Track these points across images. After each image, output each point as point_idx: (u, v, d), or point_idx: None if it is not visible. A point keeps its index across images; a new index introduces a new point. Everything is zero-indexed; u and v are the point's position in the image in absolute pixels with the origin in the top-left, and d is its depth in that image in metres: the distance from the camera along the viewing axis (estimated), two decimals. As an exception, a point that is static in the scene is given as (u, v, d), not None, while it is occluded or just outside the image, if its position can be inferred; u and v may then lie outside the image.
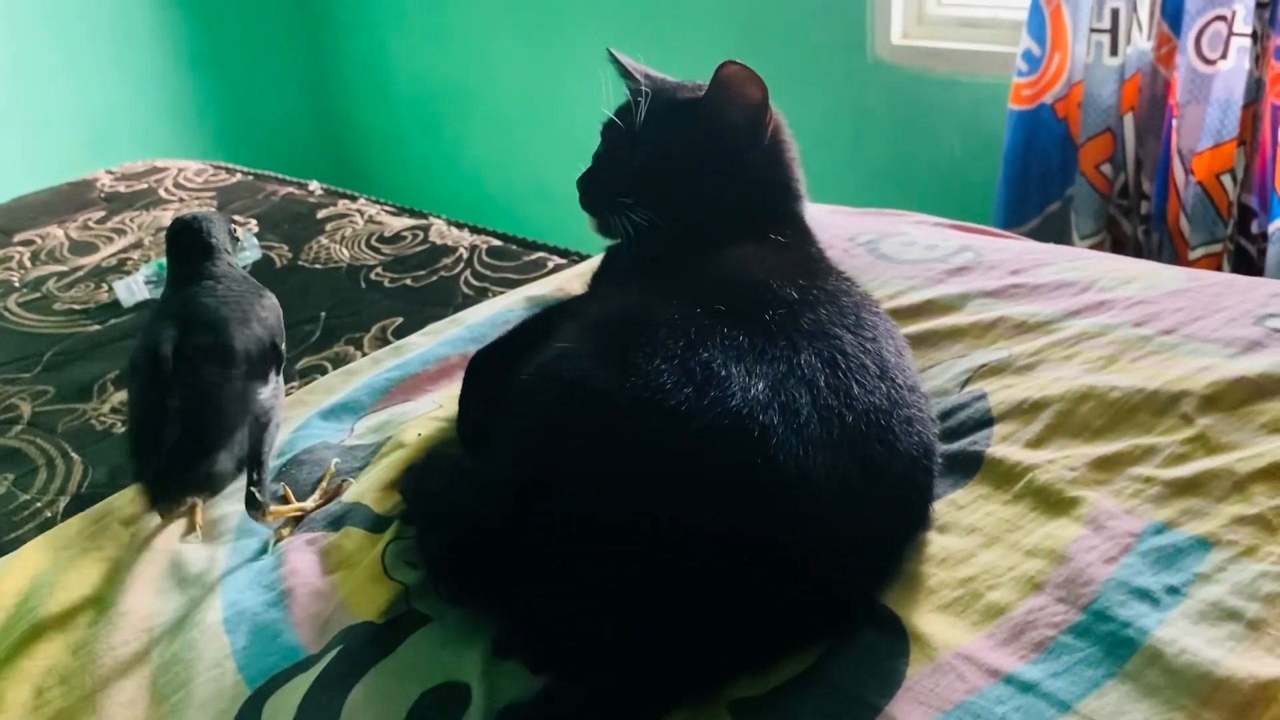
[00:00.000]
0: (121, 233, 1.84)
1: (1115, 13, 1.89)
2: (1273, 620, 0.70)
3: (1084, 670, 0.70)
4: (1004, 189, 2.07)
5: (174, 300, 1.01)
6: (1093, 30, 1.91)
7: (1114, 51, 1.92)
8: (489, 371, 1.00)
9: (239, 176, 2.11)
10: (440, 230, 1.66)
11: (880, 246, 1.25)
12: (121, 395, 1.25)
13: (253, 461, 0.91)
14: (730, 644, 0.73)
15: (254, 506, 0.91)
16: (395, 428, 1.05)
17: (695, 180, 0.99)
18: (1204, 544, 0.77)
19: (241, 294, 1.00)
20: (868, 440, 0.78)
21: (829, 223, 1.31)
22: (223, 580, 0.87)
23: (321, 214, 1.82)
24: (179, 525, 0.94)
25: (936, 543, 0.83)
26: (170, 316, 0.97)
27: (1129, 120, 1.93)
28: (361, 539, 0.90)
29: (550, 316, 1.01)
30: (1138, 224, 1.97)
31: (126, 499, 0.97)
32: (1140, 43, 1.89)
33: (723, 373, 0.75)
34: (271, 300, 1.03)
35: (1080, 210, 2.00)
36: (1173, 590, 0.74)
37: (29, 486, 1.09)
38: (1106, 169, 1.98)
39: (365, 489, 0.96)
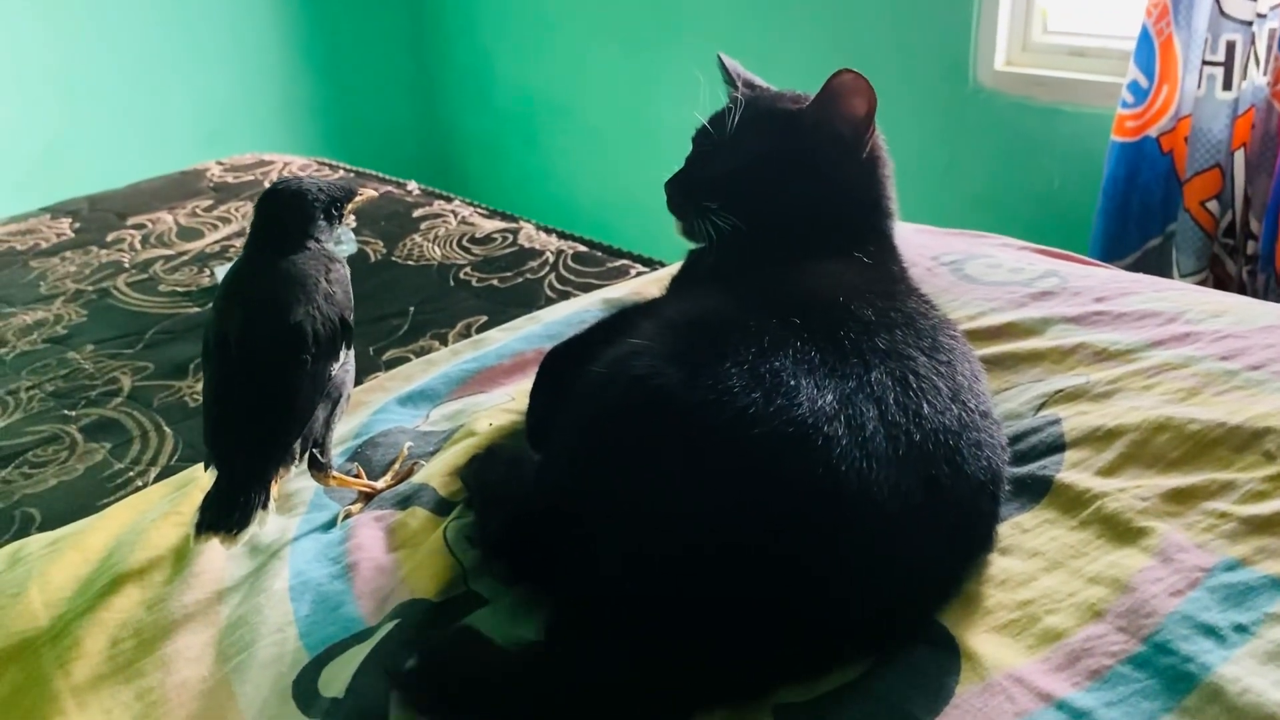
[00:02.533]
0: (226, 221, 1.92)
1: (1231, 45, 1.84)
2: (1345, 666, 0.68)
3: (1140, 702, 0.69)
4: (1101, 222, 2.02)
5: (244, 276, 0.95)
6: (1205, 63, 1.86)
7: (1227, 85, 1.87)
8: (562, 368, 1.01)
9: (341, 173, 2.18)
10: (529, 234, 1.70)
11: (964, 268, 1.23)
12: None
13: (322, 428, 0.91)
14: (779, 650, 0.73)
15: (316, 468, 0.92)
16: (468, 416, 1.08)
17: (785, 189, 0.99)
18: (1278, 584, 0.74)
19: (305, 271, 0.93)
20: (934, 460, 0.77)
21: (915, 241, 1.30)
22: (291, 550, 0.91)
23: (417, 213, 1.87)
24: None
25: (997, 564, 0.82)
26: (237, 296, 0.93)
27: (1239, 157, 1.87)
28: (426, 520, 0.93)
29: (627, 317, 1.02)
30: (1243, 264, 1.90)
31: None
32: (1256, 77, 1.83)
33: (792, 382, 0.75)
34: (340, 271, 0.97)
35: (1182, 247, 1.94)
36: (1240, 628, 0.72)
37: (123, 456, 1.15)
38: (1213, 206, 1.92)
39: (434, 472, 0.98)
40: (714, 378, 0.75)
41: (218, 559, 0.89)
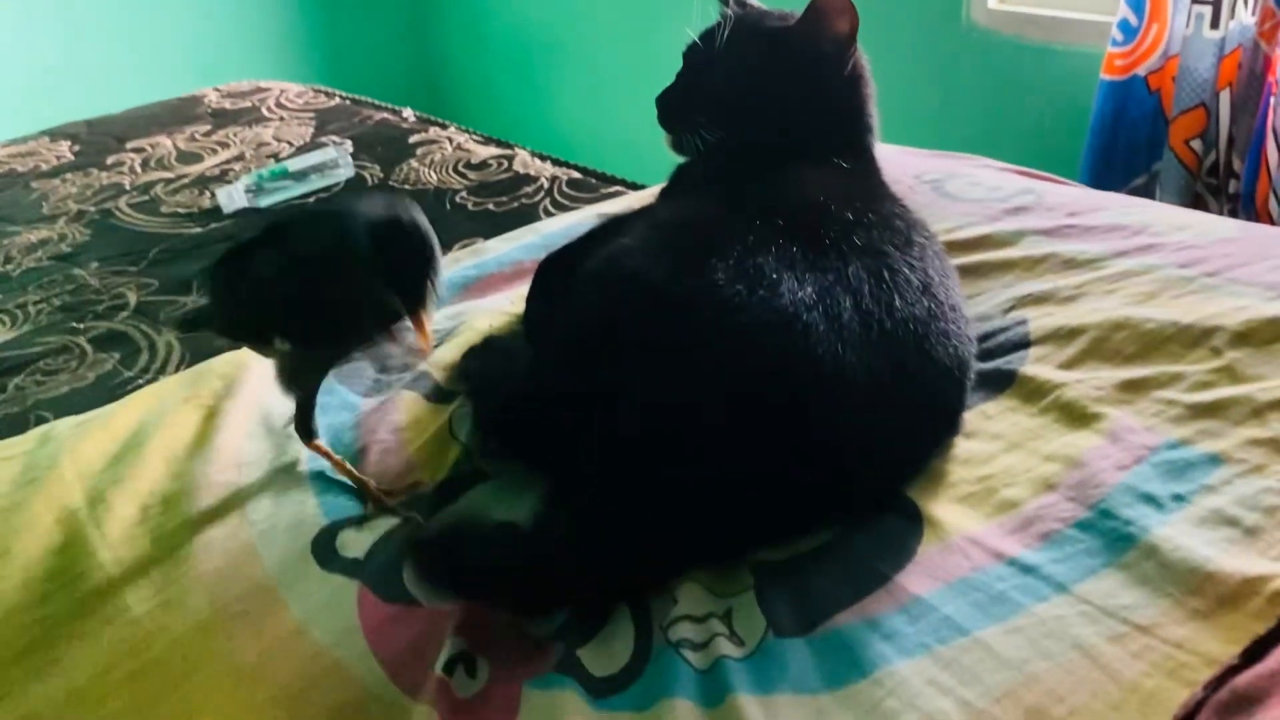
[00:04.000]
0: (225, 145, 1.95)
1: None
2: (1270, 529, 0.75)
3: (1084, 559, 0.76)
4: (1089, 160, 2.05)
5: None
6: (1194, 1, 1.89)
7: (1215, 24, 1.89)
8: (557, 271, 1.08)
9: (337, 100, 2.21)
10: (524, 160, 1.73)
11: (945, 186, 1.29)
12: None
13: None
14: (760, 516, 0.80)
15: (303, 432, 0.91)
16: (467, 318, 1.13)
17: (771, 103, 1.04)
18: (1215, 460, 0.81)
19: None
20: (903, 346, 0.84)
21: (899, 161, 1.35)
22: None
23: (413, 139, 1.90)
24: (266, 377, 0.99)
25: (962, 446, 0.89)
26: None
27: (1225, 97, 1.89)
28: (428, 408, 0.99)
29: (619, 223, 1.08)
30: (1225, 203, 1.94)
31: (221, 361, 1.07)
32: (1244, 17, 1.85)
33: (774, 276, 0.82)
34: None
35: (1166, 186, 1.97)
36: (1178, 497, 0.79)
37: (132, 365, 1.19)
38: (1197, 145, 1.95)
39: (434, 363, 1.04)
40: (700, 271, 0.81)
41: (237, 437, 0.95)
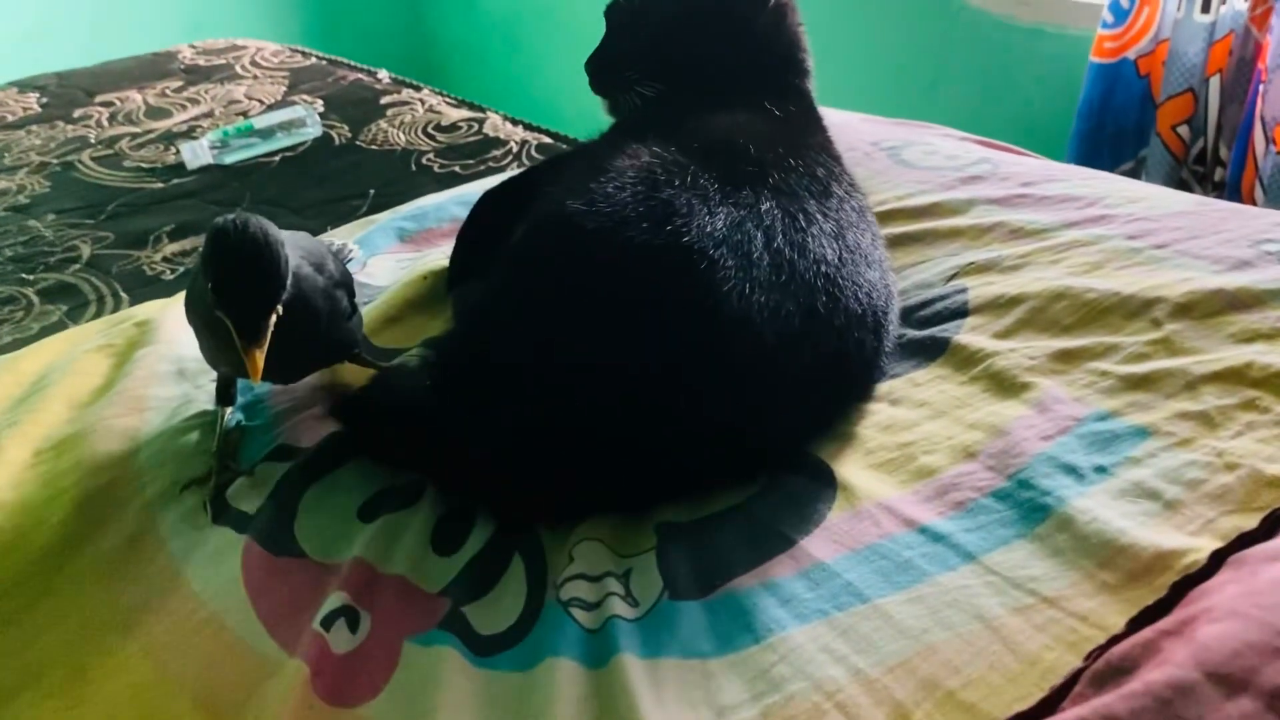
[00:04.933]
0: (195, 102, 1.92)
1: None
2: (1190, 503, 0.71)
3: (996, 529, 0.73)
4: (1076, 143, 2.01)
5: None
6: (1186, -16, 1.85)
7: (1205, 8, 1.85)
8: (490, 209, 1.06)
9: (313, 60, 2.17)
10: (495, 124, 1.70)
11: (902, 153, 1.26)
12: (174, 247, 1.34)
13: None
14: (656, 465, 0.77)
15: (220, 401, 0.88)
16: (404, 272, 1.10)
17: (696, 47, 1.01)
18: (1142, 432, 0.78)
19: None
20: (814, 291, 0.81)
21: (858, 129, 1.32)
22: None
23: (385, 100, 1.87)
24: (181, 328, 0.95)
25: (885, 413, 0.86)
26: None
27: (1214, 83, 1.85)
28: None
29: (556, 163, 1.05)
30: (1210, 191, 1.90)
31: (143, 308, 1.04)
32: (1236, 3, 1.80)
33: (683, 209, 0.79)
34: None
35: (1152, 172, 1.93)
36: (1100, 469, 0.76)
37: (79, 318, 1.17)
38: (1184, 131, 1.91)
39: (364, 320, 1.01)
40: (609, 205, 0.78)
41: (145, 382, 0.92)
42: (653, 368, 0.75)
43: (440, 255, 1.15)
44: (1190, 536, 0.68)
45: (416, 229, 1.20)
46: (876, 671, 0.64)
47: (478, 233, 1.04)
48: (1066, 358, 0.87)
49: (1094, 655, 0.60)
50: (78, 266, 1.31)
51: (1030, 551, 0.71)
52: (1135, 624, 0.60)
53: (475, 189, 1.29)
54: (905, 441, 0.82)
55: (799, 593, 0.70)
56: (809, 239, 0.81)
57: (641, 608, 0.71)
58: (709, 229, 0.78)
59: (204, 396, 0.91)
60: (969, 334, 0.92)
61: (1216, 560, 0.63)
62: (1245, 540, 0.66)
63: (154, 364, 0.94)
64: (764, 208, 0.81)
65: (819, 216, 0.84)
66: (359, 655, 0.69)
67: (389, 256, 1.15)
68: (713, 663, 0.67)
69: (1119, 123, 1.98)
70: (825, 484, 0.79)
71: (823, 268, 0.81)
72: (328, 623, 0.70)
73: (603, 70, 1.05)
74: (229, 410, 0.88)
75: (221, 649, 0.70)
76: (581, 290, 0.77)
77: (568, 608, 0.71)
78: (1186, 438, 0.77)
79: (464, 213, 1.22)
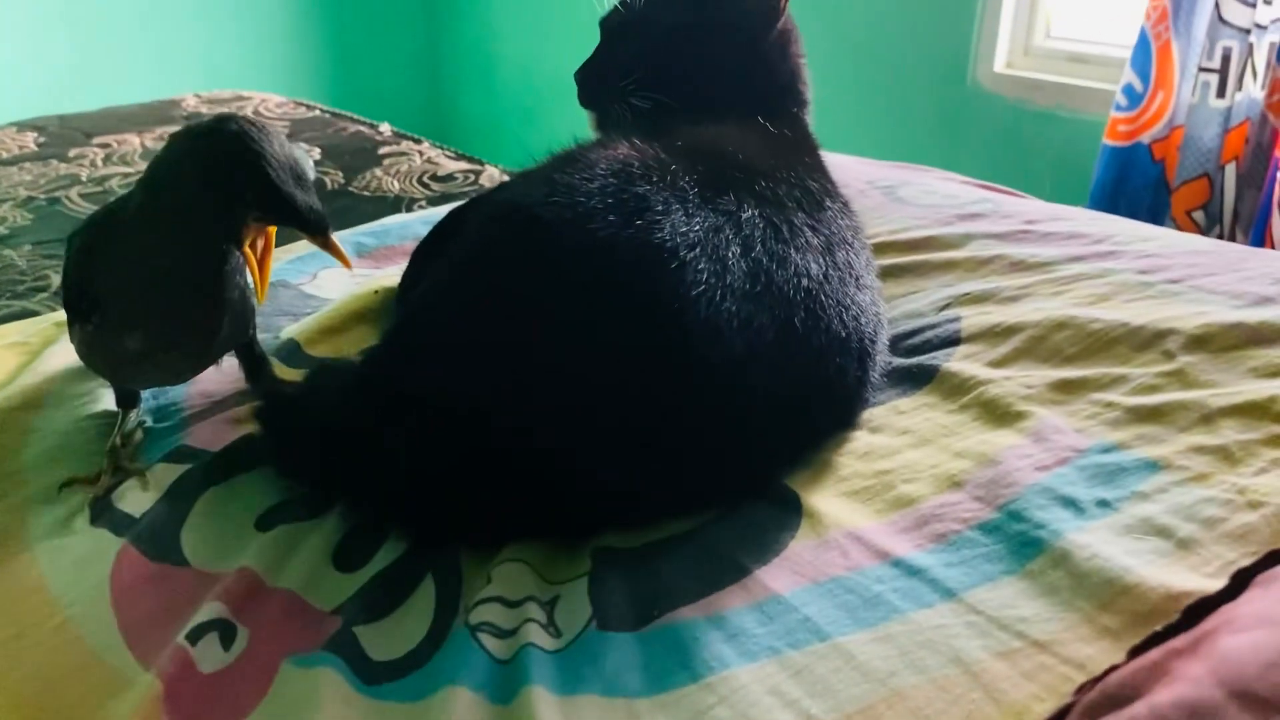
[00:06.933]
0: (194, 148, 1.89)
1: (1227, 52, 1.76)
2: (1208, 542, 0.61)
3: (981, 564, 0.63)
4: (1088, 226, 1.96)
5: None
6: (1201, 69, 1.79)
7: (1221, 93, 1.80)
8: (456, 220, 0.99)
9: (317, 113, 2.14)
10: (492, 176, 1.65)
11: (898, 191, 1.18)
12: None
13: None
14: (601, 489, 0.67)
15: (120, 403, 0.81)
16: (357, 286, 1.02)
17: (699, 59, 0.94)
18: (1152, 466, 0.68)
19: None
20: (792, 305, 0.72)
21: (853, 169, 1.25)
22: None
23: (383, 150, 1.84)
24: None
25: (863, 440, 0.76)
26: None
27: (1230, 170, 1.80)
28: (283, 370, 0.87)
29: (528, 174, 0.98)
30: (1227, 279, 1.83)
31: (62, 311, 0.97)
32: (1253, 90, 1.75)
33: (659, 208, 0.70)
34: None
35: (1167, 259, 1.87)
36: (1103, 503, 0.66)
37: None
38: (1199, 217, 1.84)
39: (301, 330, 0.93)
40: (573, 195, 0.70)
41: (45, 379, 0.84)
42: (607, 376, 0.66)
43: (399, 272, 1.07)
44: (1207, 578, 0.58)
45: (376, 245, 1.13)
46: (832, 718, 0.54)
47: (440, 245, 0.96)
48: (1068, 388, 0.77)
49: (1086, 688, 0.49)
50: (44, 295, 1.25)
51: (1020, 590, 0.61)
52: (1138, 652, 0.50)
53: (444, 210, 1.23)
54: (884, 469, 0.72)
55: (749, 627, 0.60)
56: (791, 251, 0.73)
57: (564, 638, 0.61)
58: (684, 229, 0.69)
59: (110, 396, 0.83)
60: (960, 362, 0.83)
61: (1241, 581, 0.53)
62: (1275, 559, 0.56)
63: (60, 363, 0.86)
64: (745, 215, 0.73)
65: (806, 230, 0.76)
66: (228, 675, 0.59)
67: (343, 269, 1.07)
68: (640, 703, 0.56)
69: (1132, 206, 1.92)
70: (790, 510, 0.69)
71: (804, 282, 0.72)
72: (195, 636, 0.60)
73: (595, 79, 0.98)
74: (134, 412, 0.79)
75: (66, 658, 0.60)
76: (533, 286, 0.68)
77: (476, 633, 0.60)
78: (1203, 473, 0.67)
79: (425, 231, 1.15)
